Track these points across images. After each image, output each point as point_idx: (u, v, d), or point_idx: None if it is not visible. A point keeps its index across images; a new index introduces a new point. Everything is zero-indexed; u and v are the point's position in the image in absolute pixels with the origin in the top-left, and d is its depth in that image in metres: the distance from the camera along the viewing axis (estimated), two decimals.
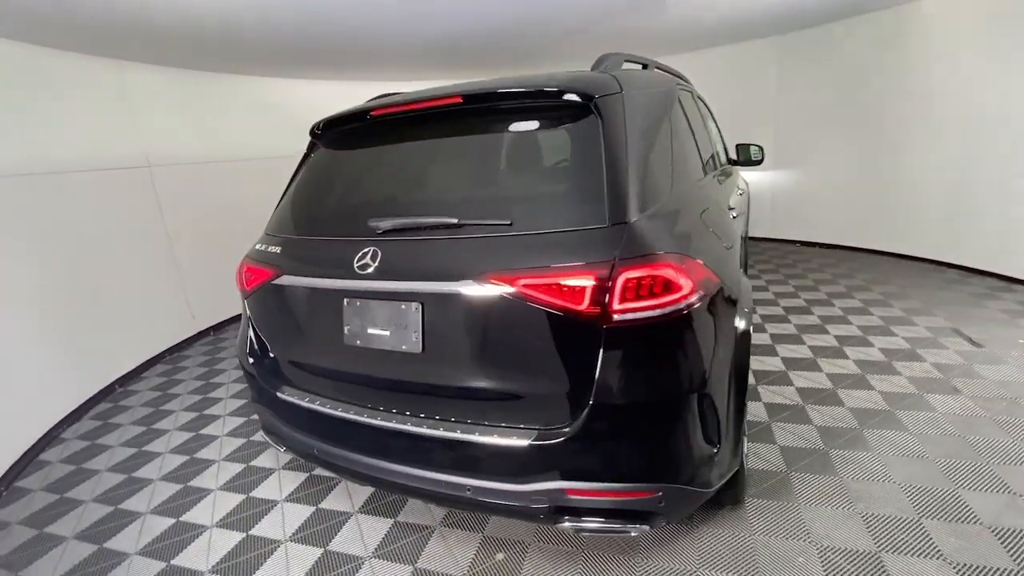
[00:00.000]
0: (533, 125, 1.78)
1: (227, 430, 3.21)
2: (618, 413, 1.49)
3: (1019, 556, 1.79)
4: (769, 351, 3.55)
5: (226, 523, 2.37)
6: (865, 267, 5.38)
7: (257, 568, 2.09)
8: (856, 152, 5.79)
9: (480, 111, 1.79)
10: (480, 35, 4.63)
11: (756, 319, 4.11)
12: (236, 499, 2.53)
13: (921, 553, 1.85)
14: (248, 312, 2.13)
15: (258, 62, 4.87)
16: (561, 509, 1.58)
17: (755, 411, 2.81)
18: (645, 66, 2.35)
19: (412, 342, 1.66)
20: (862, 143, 5.71)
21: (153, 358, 4.54)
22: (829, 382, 3.07)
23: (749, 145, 4.03)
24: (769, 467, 2.35)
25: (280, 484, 2.60)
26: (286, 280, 1.88)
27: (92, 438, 3.31)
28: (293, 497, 2.49)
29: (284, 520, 2.34)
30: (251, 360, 2.12)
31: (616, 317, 1.42)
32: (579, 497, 1.55)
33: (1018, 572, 1.73)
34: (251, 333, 2.13)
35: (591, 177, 1.56)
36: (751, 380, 3.08)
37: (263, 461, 2.82)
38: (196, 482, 2.70)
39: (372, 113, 1.90)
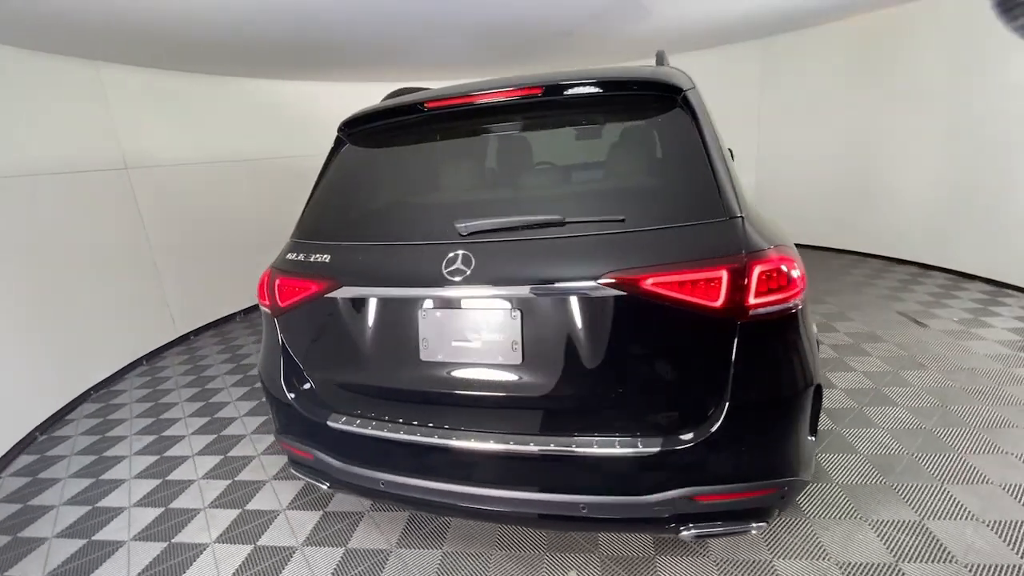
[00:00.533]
0: (622, 117, 1.70)
1: (196, 448, 3.16)
2: (754, 411, 1.43)
3: None
4: None
5: (228, 538, 2.33)
6: (823, 265, 5.62)
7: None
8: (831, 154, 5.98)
9: (559, 103, 1.68)
10: (468, 36, 4.62)
11: None
12: (232, 514, 2.50)
13: (956, 517, 2.00)
14: (279, 331, 1.85)
15: (241, 62, 4.77)
16: (684, 517, 1.49)
17: None
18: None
19: (509, 352, 1.52)
20: (835, 146, 5.90)
21: (130, 364, 4.42)
22: None
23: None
24: None
25: (276, 494, 2.58)
26: (347, 292, 1.66)
27: (43, 450, 3.23)
28: (295, 505, 2.47)
29: (293, 528, 2.32)
30: (286, 387, 1.84)
31: (752, 312, 1.36)
32: (708, 501, 1.46)
33: None
34: (284, 355, 1.85)
35: (698, 170, 1.49)
36: None
37: (248, 475, 2.79)
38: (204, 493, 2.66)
39: (427, 105, 1.72)
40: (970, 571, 1.76)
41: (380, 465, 1.70)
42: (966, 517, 1.99)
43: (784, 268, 1.39)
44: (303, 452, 1.85)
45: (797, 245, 1.62)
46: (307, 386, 1.83)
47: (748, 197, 1.59)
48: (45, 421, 3.50)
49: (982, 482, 2.18)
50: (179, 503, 2.58)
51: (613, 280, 1.40)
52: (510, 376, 1.55)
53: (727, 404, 1.40)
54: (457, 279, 1.51)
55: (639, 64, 2.30)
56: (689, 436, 1.43)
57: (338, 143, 1.95)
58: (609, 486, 1.50)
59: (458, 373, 1.61)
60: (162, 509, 2.55)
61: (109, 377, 4.17)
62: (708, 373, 1.43)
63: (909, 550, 1.87)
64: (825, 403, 2.78)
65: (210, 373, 4.23)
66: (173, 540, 2.32)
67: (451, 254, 1.53)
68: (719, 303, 1.36)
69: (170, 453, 3.06)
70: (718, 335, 1.40)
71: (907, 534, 1.95)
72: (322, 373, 1.82)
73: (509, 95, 1.64)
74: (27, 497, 2.77)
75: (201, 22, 3.41)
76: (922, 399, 2.85)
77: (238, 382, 4.01)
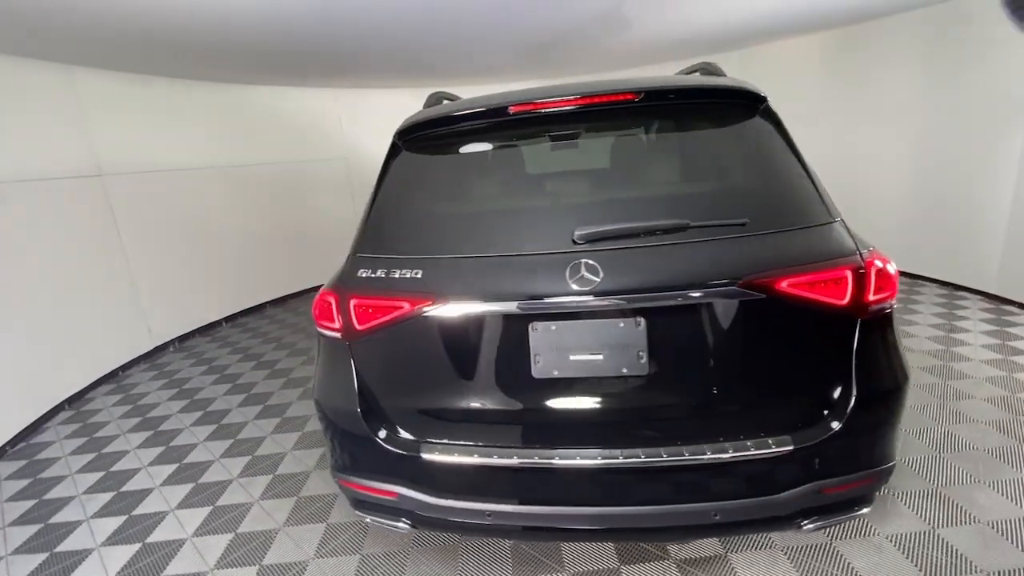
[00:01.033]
0: (715, 124, 1.74)
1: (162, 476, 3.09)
2: (877, 401, 1.50)
3: None
4: None
5: (228, 562, 2.28)
6: None
7: None
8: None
9: (649, 109, 1.73)
10: (447, 47, 4.63)
11: None
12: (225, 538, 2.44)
13: None
14: (352, 358, 1.67)
15: (219, 67, 4.69)
16: (808, 511, 1.52)
17: None
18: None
19: (636, 363, 1.49)
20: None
21: (104, 376, 4.31)
22: None
23: None
24: None
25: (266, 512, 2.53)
26: (449, 310, 1.54)
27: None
28: (291, 522, 2.43)
29: (300, 543, 2.28)
30: (365, 419, 1.64)
31: (871, 308, 1.45)
32: (834, 493, 1.51)
33: None
34: (359, 384, 1.67)
35: (797, 174, 1.56)
36: None
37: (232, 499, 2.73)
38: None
39: (512, 109, 1.65)
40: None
41: (486, 495, 1.58)
42: None
43: (889, 268, 1.49)
44: (384, 491, 1.66)
45: None
46: (391, 416, 1.67)
47: None
48: (16, 435, 3.40)
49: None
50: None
51: (749, 283, 1.41)
52: (636, 387, 1.53)
53: (854, 397, 1.46)
54: (583, 288, 1.45)
55: (639, 71, 2.32)
56: (820, 431, 1.47)
57: (395, 148, 1.81)
58: (742, 489, 1.51)
59: (577, 388, 1.56)
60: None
61: (81, 391, 4.05)
62: (835, 369, 1.49)
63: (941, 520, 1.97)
64: None
65: (193, 385, 4.15)
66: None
67: (574, 263, 1.47)
68: (845, 301, 1.44)
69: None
70: (843, 332, 1.47)
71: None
72: (411, 400, 1.67)
73: (596, 101, 1.62)
74: None
75: (181, 27, 3.35)
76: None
77: (229, 391, 3.96)
